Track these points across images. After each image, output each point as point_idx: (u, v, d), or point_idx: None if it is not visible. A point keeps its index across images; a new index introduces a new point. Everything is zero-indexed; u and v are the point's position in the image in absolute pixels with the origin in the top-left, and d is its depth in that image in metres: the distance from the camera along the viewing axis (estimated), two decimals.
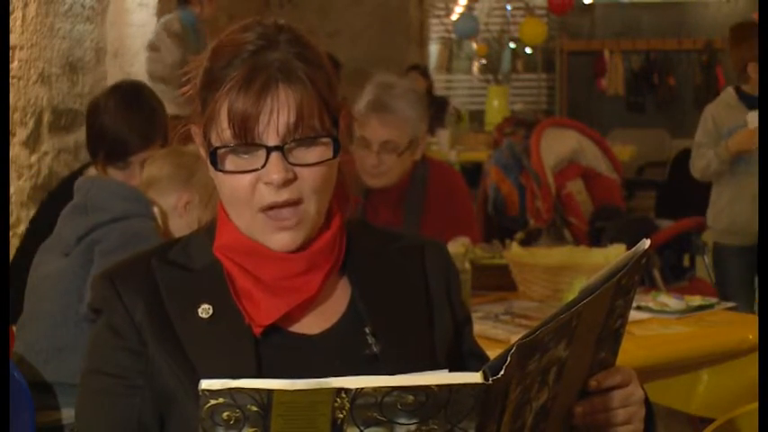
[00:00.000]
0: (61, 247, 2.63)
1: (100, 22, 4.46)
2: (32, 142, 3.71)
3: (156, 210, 2.69)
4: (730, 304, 3.12)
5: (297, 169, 1.38)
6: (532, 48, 10.81)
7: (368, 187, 3.34)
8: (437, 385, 1.09)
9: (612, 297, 1.29)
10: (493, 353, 1.57)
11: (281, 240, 1.40)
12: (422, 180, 3.40)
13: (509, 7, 10.78)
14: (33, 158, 3.73)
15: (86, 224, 2.60)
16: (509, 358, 1.11)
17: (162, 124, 2.87)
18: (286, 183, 1.38)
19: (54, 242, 2.68)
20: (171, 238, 2.68)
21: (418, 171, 3.38)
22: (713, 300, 3.10)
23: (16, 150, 3.61)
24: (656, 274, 4.22)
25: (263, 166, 1.37)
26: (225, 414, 1.07)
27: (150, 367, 1.39)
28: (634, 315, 2.72)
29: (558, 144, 4.87)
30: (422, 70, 8.54)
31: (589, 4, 10.79)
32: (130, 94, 2.93)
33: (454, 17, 10.22)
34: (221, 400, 1.06)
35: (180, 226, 2.71)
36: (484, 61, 11.05)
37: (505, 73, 10.96)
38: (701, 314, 2.95)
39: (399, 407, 1.09)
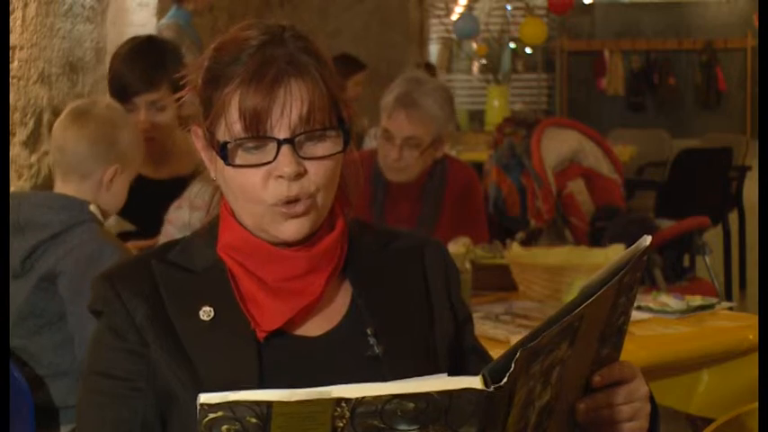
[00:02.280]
0: (9, 267, 2.47)
1: (100, 22, 4.45)
2: (32, 142, 3.71)
3: (93, 207, 2.51)
4: (730, 304, 3.11)
5: (306, 163, 1.38)
6: (532, 48, 10.81)
7: (388, 181, 3.35)
8: (437, 391, 1.09)
9: (615, 295, 1.28)
10: (493, 353, 1.57)
11: (290, 228, 1.40)
12: (441, 177, 3.41)
13: (509, 7, 10.79)
14: (33, 158, 3.73)
15: (26, 245, 2.45)
16: (513, 365, 1.10)
17: (170, 71, 2.88)
18: (297, 176, 1.37)
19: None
20: (108, 218, 2.65)
21: (438, 168, 3.39)
22: (713, 300, 3.09)
23: (16, 150, 3.61)
24: (658, 273, 4.21)
25: (274, 159, 1.37)
26: (224, 427, 1.06)
27: (152, 368, 1.39)
28: (634, 315, 2.70)
29: (559, 144, 4.86)
30: (429, 68, 8.51)
31: (589, 4, 10.79)
32: (143, 42, 3.09)
33: (454, 17, 10.22)
34: (220, 413, 1.05)
35: (108, 200, 2.58)
36: (484, 61, 11.06)
37: (505, 73, 10.96)
38: (702, 314, 2.94)
39: (400, 414, 1.08)
